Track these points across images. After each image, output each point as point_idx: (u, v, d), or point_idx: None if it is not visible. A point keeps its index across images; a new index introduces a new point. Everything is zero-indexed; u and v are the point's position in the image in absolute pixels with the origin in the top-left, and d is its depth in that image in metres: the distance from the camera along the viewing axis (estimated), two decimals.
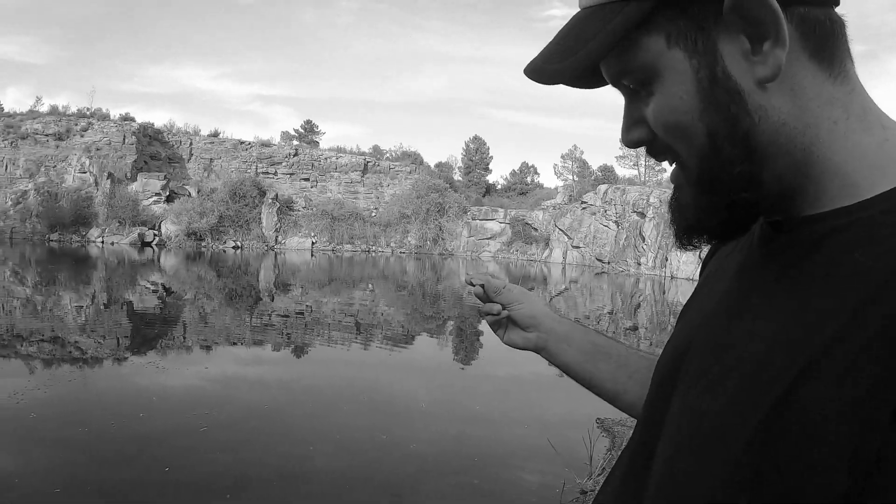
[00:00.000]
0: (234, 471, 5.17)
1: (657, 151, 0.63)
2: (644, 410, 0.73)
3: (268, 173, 34.34)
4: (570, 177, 48.33)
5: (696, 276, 0.92)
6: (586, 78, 0.64)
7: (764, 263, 0.62)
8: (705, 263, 0.83)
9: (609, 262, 27.00)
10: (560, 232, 29.77)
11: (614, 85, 0.64)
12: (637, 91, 0.61)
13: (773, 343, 0.53)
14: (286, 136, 45.47)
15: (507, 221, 31.21)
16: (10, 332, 10.39)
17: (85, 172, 28.20)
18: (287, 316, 13.72)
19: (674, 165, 0.63)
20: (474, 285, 1.08)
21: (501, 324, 1.08)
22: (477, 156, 47.95)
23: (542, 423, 5.77)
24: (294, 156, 35.26)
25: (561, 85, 0.64)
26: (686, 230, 0.64)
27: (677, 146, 0.60)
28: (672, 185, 0.65)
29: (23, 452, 5.41)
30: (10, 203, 26.47)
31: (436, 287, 20.26)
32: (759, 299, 0.60)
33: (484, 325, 13.78)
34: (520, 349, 1.06)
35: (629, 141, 0.64)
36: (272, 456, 5.50)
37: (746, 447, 0.51)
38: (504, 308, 1.05)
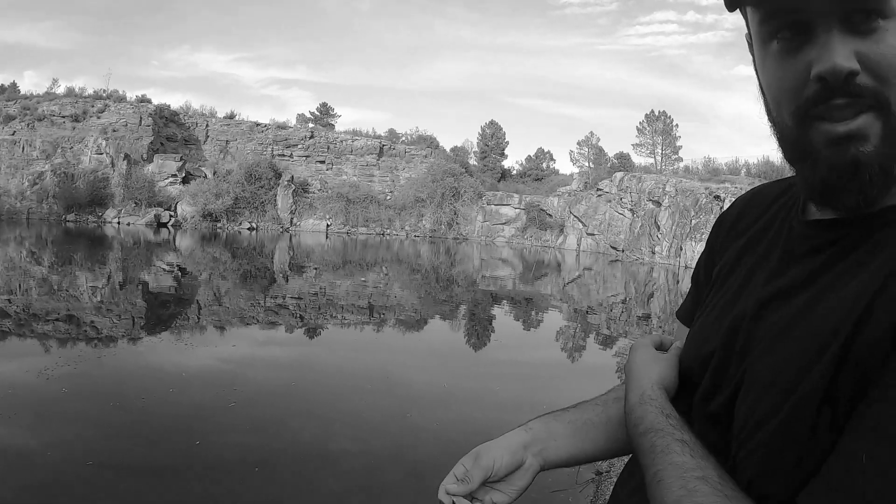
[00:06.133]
0: (262, 446, 5.32)
1: (852, 92, 0.61)
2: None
3: (283, 155, 34.45)
4: (586, 164, 48.08)
5: None
6: None
7: (813, 250, 0.74)
8: (705, 272, 0.99)
9: (623, 251, 26.96)
10: (575, 219, 29.72)
11: (829, 11, 0.61)
12: (857, 24, 0.61)
13: (839, 306, 0.66)
14: (302, 118, 45.47)
15: (521, 207, 31.19)
16: (35, 310, 10.59)
17: (101, 154, 28.40)
18: (306, 298, 13.88)
19: (859, 118, 0.62)
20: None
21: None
22: (493, 141, 47.78)
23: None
24: (310, 138, 35.33)
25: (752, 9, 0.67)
26: (858, 185, 0.64)
27: (890, 90, 0.61)
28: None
29: (55, 426, 5.58)
30: (27, 184, 26.73)
31: (450, 271, 20.35)
32: (823, 277, 0.71)
33: (497, 310, 13.90)
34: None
35: (840, 69, 0.61)
36: (298, 432, 5.66)
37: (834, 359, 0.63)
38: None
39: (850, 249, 0.69)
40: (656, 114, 48.42)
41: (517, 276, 19.88)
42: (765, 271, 0.80)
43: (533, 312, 13.66)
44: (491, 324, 12.20)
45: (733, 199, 1.02)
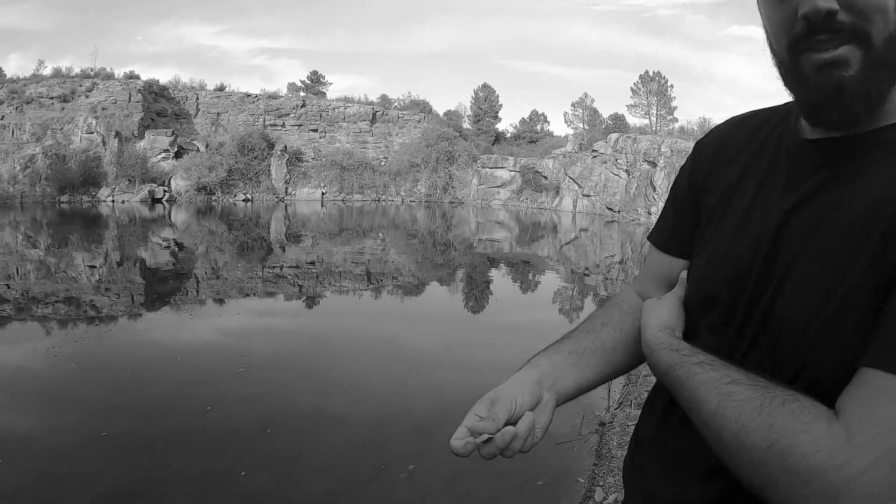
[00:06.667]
0: (272, 409, 5.47)
1: (832, 28, 0.73)
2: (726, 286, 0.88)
3: (276, 125, 34.21)
4: (581, 125, 47.74)
5: None
6: None
7: (821, 164, 0.84)
8: (691, 192, 1.04)
9: (619, 211, 27.00)
10: (570, 180, 29.68)
11: None
12: None
13: (864, 206, 0.76)
14: (293, 87, 45.02)
15: (516, 170, 31.09)
16: (35, 293, 10.67)
17: (92, 133, 28.11)
18: (304, 266, 13.97)
19: (840, 48, 0.74)
20: (483, 441, 0.85)
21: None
22: (486, 104, 47.36)
23: None
24: (301, 107, 35.05)
25: None
26: (842, 105, 0.76)
27: (868, 24, 0.73)
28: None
29: (67, 400, 5.71)
30: (18, 168, 26.43)
31: (446, 235, 20.44)
32: (833, 186, 0.81)
33: (495, 273, 14.02)
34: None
35: (819, 9, 0.72)
36: (306, 396, 5.81)
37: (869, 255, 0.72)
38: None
39: (850, 162, 0.80)
40: (651, 74, 48.00)
41: (514, 239, 19.97)
42: (776, 187, 0.88)
43: (530, 274, 13.79)
44: (489, 286, 12.33)
45: None
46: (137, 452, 4.64)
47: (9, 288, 10.68)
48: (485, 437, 0.84)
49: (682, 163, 1.09)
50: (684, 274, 1.02)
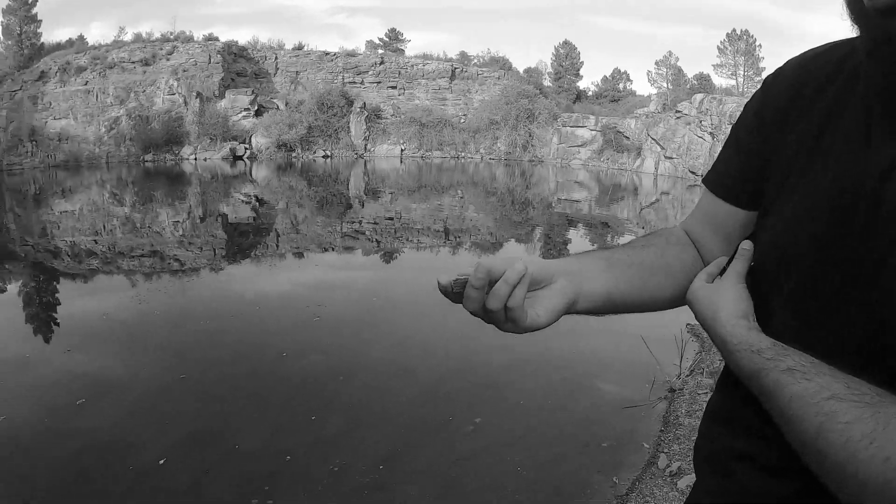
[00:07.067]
0: (345, 359, 5.59)
1: None
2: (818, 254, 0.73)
3: (354, 83, 34.40)
4: (664, 84, 46.00)
5: None
6: None
7: None
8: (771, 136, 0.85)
9: (702, 175, 25.97)
10: (652, 141, 28.70)
11: None
12: None
13: None
14: (371, 45, 45.03)
15: (597, 129, 30.27)
16: (121, 247, 11.21)
17: (174, 94, 29.04)
18: (382, 222, 14.13)
19: None
20: (457, 282, 0.77)
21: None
22: (567, 61, 46.19)
23: (636, 327, 5.87)
24: (380, 64, 35.06)
25: None
26: None
27: None
28: None
29: (149, 345, 5.99)
30: (103, 129, 27.65)
31: (525, 194, 20.22)
32: None
33: (573, 233, 13.81)
34: (551, 324, 0.82)
35: None
36: (379, 346, 5.90)
37: None
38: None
39: None
40: (738, 33, 45.59)
41: (593, 199, 19.57)
42: (881, 132, 0.71)
43: (609, 236, 13.50)
44: (566, 246, 12.14)
45: None
46: (214, 395, 4.84)
47: (96, 243, 11.25)
48: (464, 278, 0.76)
49: None
50: (747, 244, 0.86)
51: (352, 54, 35.45)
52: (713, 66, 49.15)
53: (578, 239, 13.07)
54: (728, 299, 0.82)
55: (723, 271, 0.88)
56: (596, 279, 0.87)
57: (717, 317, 0.81)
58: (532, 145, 31.17)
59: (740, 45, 45.37)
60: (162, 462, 3.79)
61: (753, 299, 0.82)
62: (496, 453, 3.88)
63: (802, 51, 0.88)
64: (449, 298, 0.79)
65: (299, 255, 10.48)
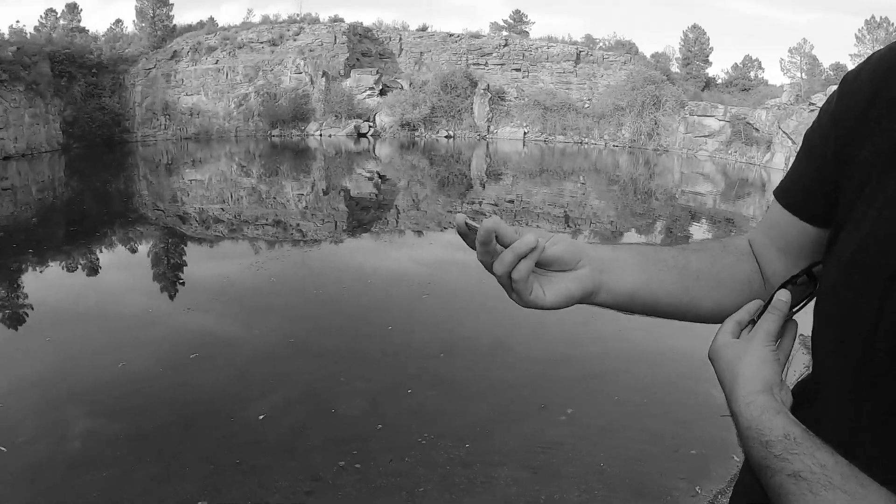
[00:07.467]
0: (448, 336, 5.68)
1: None
2: None
3: (478, 64, 34.39)
4: (798, 74, 42.91)
5: None
6: None
7: None
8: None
9: None
10: (784, 135, 26.84)
11: None
12: None
13: None
14: (495, 26, 44.78)
15: (726, 119, 28.68)
16: (246, 216, 11.85)
17: (300, 73, 30.44)
18: (502, 204, 14.14)
19: None
20: (470, 227, 0.73)
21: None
22: (696, 46, 44.01)
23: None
24: (504, 46, 34.83)
25: None
26: None
27: None
28: None
29: (263, 309, 6.35)
30: (233, 106, 29.53)
31: (648, 184, 19.57)
32: None
33: (695, 227, 13.23)
34: (560, 307, 0.76)
35: None
36: (484, 328, 5.92)
37: None
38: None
39: None
40: (878, 20, 41.71)
41: (718, 194, 18.64)
42: None
43: (733, 233, 12.84)
44: (687, 241, 11.67)
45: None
46: (318, 360, 5.06)
47: (223, 210, 11.96)
48: (475, 225, 0.71)
49: None
50: (783, 295, 0.76)
51: (476, 36, 35.46)
52: (850, 55, 45.19)
53: (700, 234, 12.53)
54: (750, 366, 0.73)
55: (761, 313, 0.78)
56: (625, 275, 0.81)
57: (734, 388, 0.72)
58: (657, 133, 30.02)
59: (879, 33, 41.50)
60: (262, 417, 4.02)
61: (823, 330, 0.72)
62: (583, 446, 3.83)
63: None
64: (465, 242, 0.75)
65: (417, 232, 10.69)
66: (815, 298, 0.76)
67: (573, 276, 0.77)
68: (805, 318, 0.78)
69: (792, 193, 0.83)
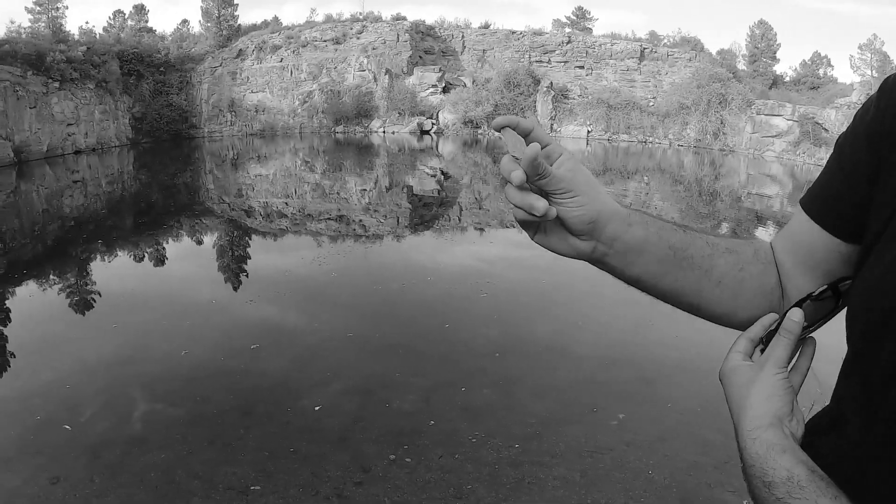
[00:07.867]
0: (504, 336, 5.71)
1: None
2: None
3: (541, 62, 34.14)
4: (869, 72, 40.91)
5: None
6: None
7: None
8: None
9: None
10: None
11: None
12: None
13: None
14: (558, 24, 44.32)
15: (794, 119, 27.65)
16: (310, 210, 12.10)
17: (364, 70, 31.04)
18: None
19: None
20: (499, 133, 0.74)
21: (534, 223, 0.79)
22: (763, 43, 42.54)
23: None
24: (567, 43, 34.47)
25: None
26: None
27: None
28: None
29: (323, 303, 6.52)
30: (297, 102, 30.44)
31: (713, 185, 19.12)
32: None
33: (761, 231, 12.88)
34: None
35: None
36: (540, 329, 5.95)
37: None
38: (551, 202, 0.75)
39: None
40: None
41: (786, 197, 18.05)
42: None
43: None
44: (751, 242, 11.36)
45: None
46: (375, 355, 5.18)
47: (287, 205, 12.25)
48: (508, 131, 0.74)
49: None
50: (796, 315, 0.71)
51: (538, 33, 35.20)
52: None
53: (766, 238, 12.17)
54: (759, 396, 0.69)
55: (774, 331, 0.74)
56: (634, 263, 0.79)
57: (740, 419, 0.69)
58: (723, 133, 29.20)
59: None
60: (317, 408, 4.16)
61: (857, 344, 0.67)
62: (632, 452, 3.81)
63: None
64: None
65: (479, 229, 10.74)
66: (834, 316, 0.73)
67: (570, 242, 0.80)
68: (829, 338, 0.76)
69: (816, 201, 0.78)
